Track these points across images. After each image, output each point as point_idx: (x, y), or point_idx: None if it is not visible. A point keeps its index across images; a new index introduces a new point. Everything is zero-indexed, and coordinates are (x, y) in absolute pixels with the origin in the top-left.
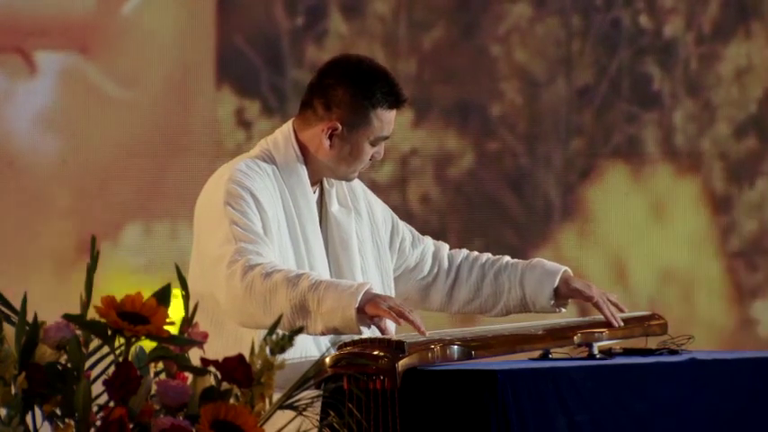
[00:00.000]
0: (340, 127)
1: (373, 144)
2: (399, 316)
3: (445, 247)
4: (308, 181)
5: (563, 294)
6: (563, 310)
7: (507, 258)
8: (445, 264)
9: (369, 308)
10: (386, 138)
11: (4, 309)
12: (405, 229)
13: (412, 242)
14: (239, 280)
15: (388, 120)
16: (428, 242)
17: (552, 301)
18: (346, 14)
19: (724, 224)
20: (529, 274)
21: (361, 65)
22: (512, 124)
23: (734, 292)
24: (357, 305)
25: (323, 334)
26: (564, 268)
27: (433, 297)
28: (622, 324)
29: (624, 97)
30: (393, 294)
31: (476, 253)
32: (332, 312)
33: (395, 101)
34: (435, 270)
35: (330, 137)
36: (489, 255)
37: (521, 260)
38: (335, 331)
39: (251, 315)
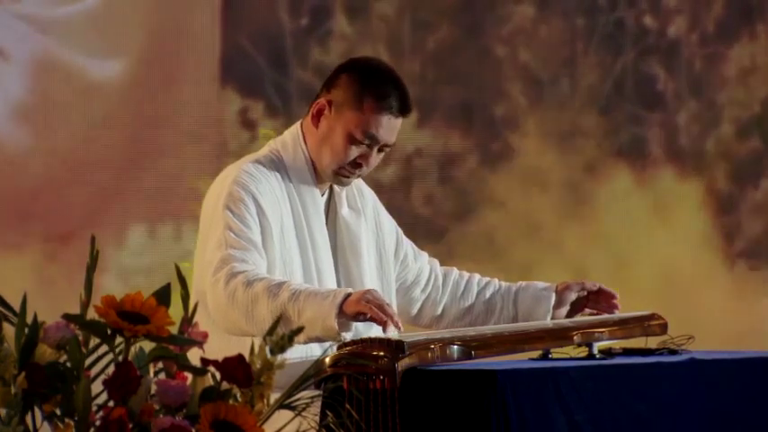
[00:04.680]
0: (327, 105)
1: (357, 139)
2: (379, 309)
3: (437, 263)
4: (316, 183)
5: (562, 293)
6: None
7: (497, 280)
8: (439, 281)
9: (348, 307)
10: (374, 138)
11: (2, 309)
12: (407, 244)
13: (414, 256)
14: (222, 288)
15: (376, 120)
16: (425, 258)
17: (549, 316)
18: (350, 15)
19: (728, 225)
20: (522, 294)
21: (378, 65)
22: (516, 125)
23: (737, 293)
24: (336, 313)
25: (306, 343)
26: (555, 284)
27: (425, 313)
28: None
29: (628, 98)
30: (393, 300)
31: (465, 273)
32: (312, 322)
33: (399, 107)
34: (430, 287)
35: (318, 116)
36: (477, 275)
37: (511, 283)
38: (318, 340)
39: (234, 323)
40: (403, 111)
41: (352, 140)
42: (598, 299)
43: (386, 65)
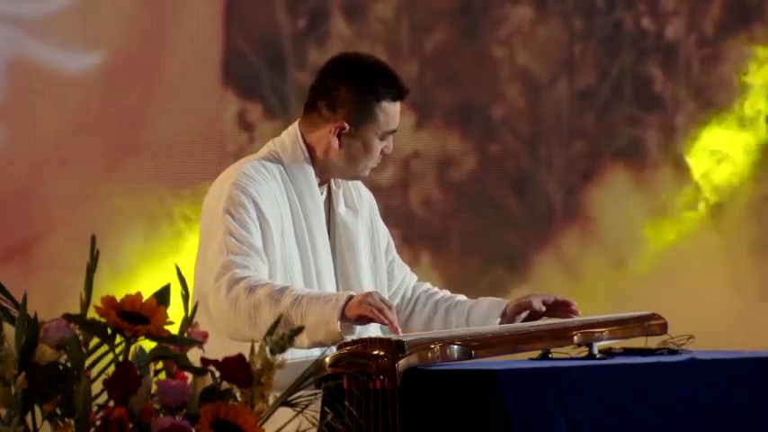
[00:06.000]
0: (347, 126)
1: (382, 138)
2: (380, 312)
3: (414, 279)
4: (316, 182)
5: (510, 312)
6: None
7: (461, 297)
8: (409, 294)
9: (350, 310)
10: (393, 131)
11: (6, 304)
12: (395, 254)
13: (398, 267)
14: (224, 295)
15: (392, 113)
16: (407, 271)
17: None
18: (348, 17)
19: (726, 225)
20: (475, 310)
21: (361, 62)
22: (514, 126)
23: (736, 293)
24: (339, 316)
25: (310, 348)
26: (505, 303)
27: None
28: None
29: (626, 99)
30: (386, 296)
31: (435, 288)
32: (316, 327)
33: (397, 93)
34: (404, 302)
35: (338, 137)
36: (446, 292)
37: (471, 299)
38: (322, 344)
39: (237, 329)
40: (405, 92)
41: (378, 144)
42: (555, 310)
43: (370, 58)
